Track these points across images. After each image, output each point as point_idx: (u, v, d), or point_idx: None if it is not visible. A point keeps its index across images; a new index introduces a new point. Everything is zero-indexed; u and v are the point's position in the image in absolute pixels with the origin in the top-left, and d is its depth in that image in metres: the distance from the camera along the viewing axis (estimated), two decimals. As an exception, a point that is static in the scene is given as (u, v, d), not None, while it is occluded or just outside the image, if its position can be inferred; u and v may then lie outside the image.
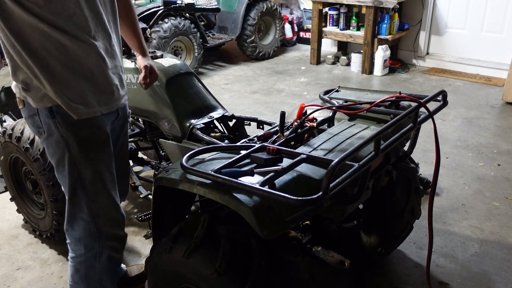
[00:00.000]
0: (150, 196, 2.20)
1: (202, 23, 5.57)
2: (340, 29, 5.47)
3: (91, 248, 1.74)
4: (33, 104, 1.55)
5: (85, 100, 1.57)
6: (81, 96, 1.56)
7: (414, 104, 1.52)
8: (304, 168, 1.37)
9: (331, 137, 1.58)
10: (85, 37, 1.52)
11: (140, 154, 2.86)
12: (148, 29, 2.42)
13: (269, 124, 2.18)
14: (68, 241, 1.79)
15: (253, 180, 1.27)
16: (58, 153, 1.61)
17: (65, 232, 1.80)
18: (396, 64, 5.41)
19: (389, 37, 5.11)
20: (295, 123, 1.71)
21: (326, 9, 5.50)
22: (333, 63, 5.73)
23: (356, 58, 5.37)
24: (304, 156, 1.36)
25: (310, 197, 1.10)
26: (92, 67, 1.56)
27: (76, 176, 1.63)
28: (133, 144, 2.77)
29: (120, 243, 1.84)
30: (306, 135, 1.73)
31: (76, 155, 1.60)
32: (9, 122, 2.95)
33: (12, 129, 2.29)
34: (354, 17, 5.35)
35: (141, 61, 1.92)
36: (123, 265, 2.18)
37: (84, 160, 1.62)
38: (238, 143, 1.67)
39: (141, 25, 2.38)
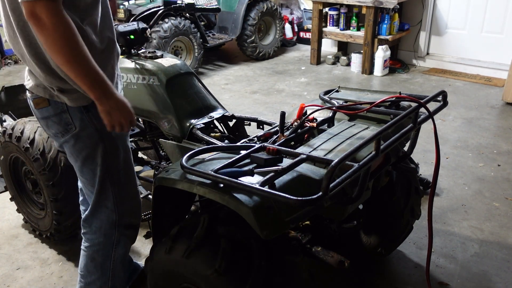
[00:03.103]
0: (150, 196, 2.20)
1: (202, 23, 5.57)
2: (340, 29, 5.47)
3: (110, 236, 1.78)
4: (68, 103, 1.55)
5: None
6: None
7: (414, 105, 1.53)
8: (304, 168, 1.37)
9: (331, 137, 1.58)
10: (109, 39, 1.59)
11: (140, 154, 2.86)
12: (148, 29, 2.42)
13: (269, 124, 2.18)
14: (84, 231, 1.82)
15: (253, 180, 1.27)
16: (90, 147, 1.63)
17: (83, 222, 1.81)
18: (396, 65, 5.41)
19: (389, 37, 5.11)
20: (295, 123, 1.71)
21: (326, 9, 5.50)
22: (333, 63, 5.72)
23: (356, 58, 5.37)
24: (304, 156, 1.36)
25: (310, 197, 1.10)
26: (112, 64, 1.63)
27: (106, 167, 1.67)
28: (133, 144, 2.78)
29: (135, 231, 1.89)
30: (306, 135, 1.73)
31: (108, 145, 1.65)
32: (9, 122, 2.94)
33: (12, 129, 2.29)
34: (354, 17, 5.35)
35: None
36: (139, 263, 2.18)
37: (114, 150, 1.67)
38: (238, 143, 1.67)
39: (141, 25, 2.38)
